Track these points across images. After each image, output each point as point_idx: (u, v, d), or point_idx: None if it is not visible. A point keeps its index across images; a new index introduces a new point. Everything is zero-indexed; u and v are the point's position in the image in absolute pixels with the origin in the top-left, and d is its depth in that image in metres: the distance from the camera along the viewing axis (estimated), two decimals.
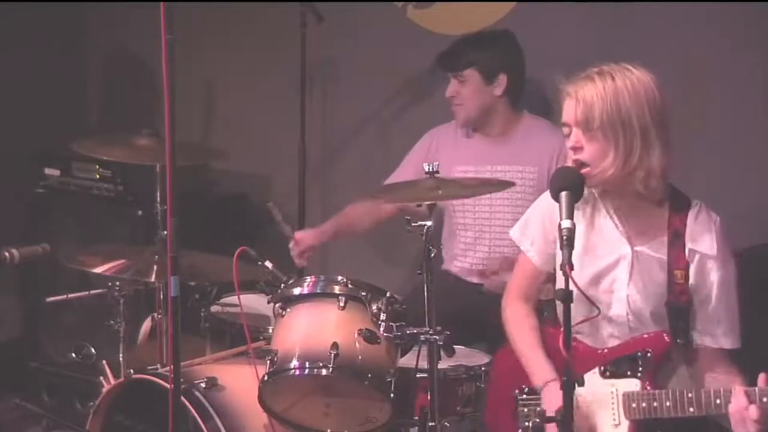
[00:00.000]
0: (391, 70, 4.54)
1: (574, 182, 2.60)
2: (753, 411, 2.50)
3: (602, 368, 2.78)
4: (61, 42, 5.25)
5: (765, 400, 2.51)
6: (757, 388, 2.52)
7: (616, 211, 2.81)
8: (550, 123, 3.88)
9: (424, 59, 4.34)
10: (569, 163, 2.75)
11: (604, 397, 2.75)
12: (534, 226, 3.01)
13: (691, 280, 2.72)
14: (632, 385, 2.73)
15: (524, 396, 2.90)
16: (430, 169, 3.03)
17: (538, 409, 2.82)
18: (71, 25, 5.32)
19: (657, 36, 3.93)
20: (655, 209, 2.77)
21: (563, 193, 2.55)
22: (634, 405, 2.69)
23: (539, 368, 2.87)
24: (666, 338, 2.73)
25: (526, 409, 2.89)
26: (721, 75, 3.86)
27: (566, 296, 2.42)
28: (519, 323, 3.00)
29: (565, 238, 2.46)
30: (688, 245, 2.72)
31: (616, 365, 2.76)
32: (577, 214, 2.77)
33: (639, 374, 2.73)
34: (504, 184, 3.43)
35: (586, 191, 2.73)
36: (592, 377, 2.78)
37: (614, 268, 2.80)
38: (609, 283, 2.81)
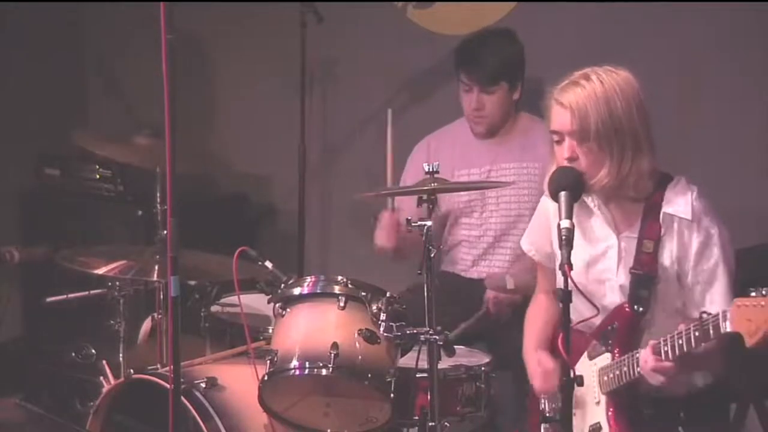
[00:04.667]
0: (391, 70, 4.54)
1: (572, 182, 2.61)
2: (650, 361, 2.57)
3: (588, 351, 2.83)
4: (61, 42, 5.25)
5: (666, 350, 2.54)
6: (661, 339, 2.56)
7: (604, 202, 2.81)
8: (525, 113, 3.88)
9: (424, 59, 4.35)
10: None
11: (588, 378, 2.78)
12: (534, 227, 3.07)
13: (676, 249, 2.71)
14: (606, 359, 2.77)
15: (544, 401, 2.96)
16: (430, 169, 3.03)
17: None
18: (71, 25, 5.32)
19: (657, 36, 3.93)
20: (639, 197, 2.78)
21: (562, 193, 2.55)
22: (605, 378, 2.75)
23: (530, 368, 2.98)
24: (626, 309, 2.75)
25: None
26: (721, 74, 3.86)
27: (565, 296, 2.43)
28: (532, 319, 3.07)
29: (564, 237, 2.47)
30: (663, 209, 2.72)
31: (594, 346, 2.81)
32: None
33: (609, 348, 2.76)
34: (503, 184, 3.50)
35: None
36: (583, 361, 2.83)
37: (602, 258, 2.82)
38: (599, 272, 2.83)
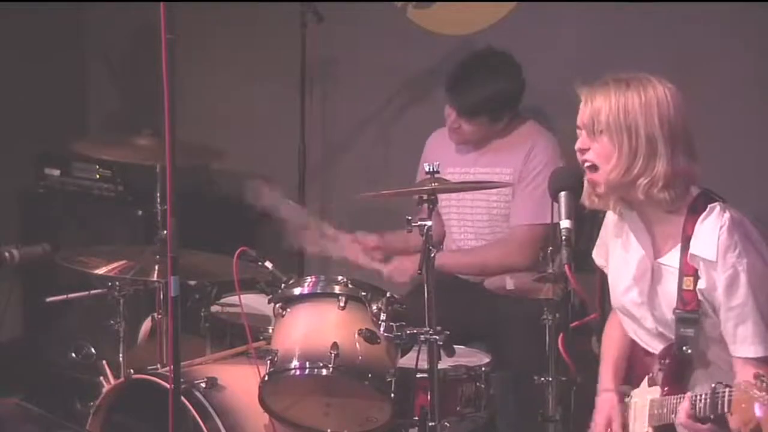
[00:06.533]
0: (391, 70, 4.53)
1: (573, 182, 2.61)
2: (682, 417, 2.51)
3: (649, 377, 2.79)
4: (61, 42, 5.25)
5: (700, 406, 2.48)
6: (697, 395, 2.50)
7: (643, 221, 2.78)
8: (532, 122, 3.88)
9: (424, 59, 4.35)
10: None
11: (644, 405, 2.77)
12: (601, 241, 2.99)
13: (705, 286, 2.65)
14: (656, 392, 2.73)
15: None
16: (431, 169, 3.04)
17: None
18: (71, 25, 5.32)
19: (656, 36, 3.93)
20: (674, 218, 2.72)
21: (562, 193, 2.56)
22: (652, 411, 2.71)
23: (602, 377, 2.92)
24: (674, 350, 2.70)
25: None
26: (721, 75, 3.86)
27: (566, 296, 2.43)
28: (607, 333, 3.00)
29: (564, 238, 2.47)
30: (690, 250, 2.66)
31: (654, 374, 2.77)
32: (618, 229, 2.82)
33: (660, 383, 2.73)
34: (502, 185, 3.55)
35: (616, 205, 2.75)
36: (643, 385, 2.80)
37: (639, 281, 2.78)
38: (636, 295, 2.79)
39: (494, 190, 3.82)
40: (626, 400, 2.83)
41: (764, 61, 3.79)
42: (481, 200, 3.88)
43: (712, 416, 2.43)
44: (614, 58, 2.78)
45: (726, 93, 3.86)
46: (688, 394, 2.54)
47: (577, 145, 2.73)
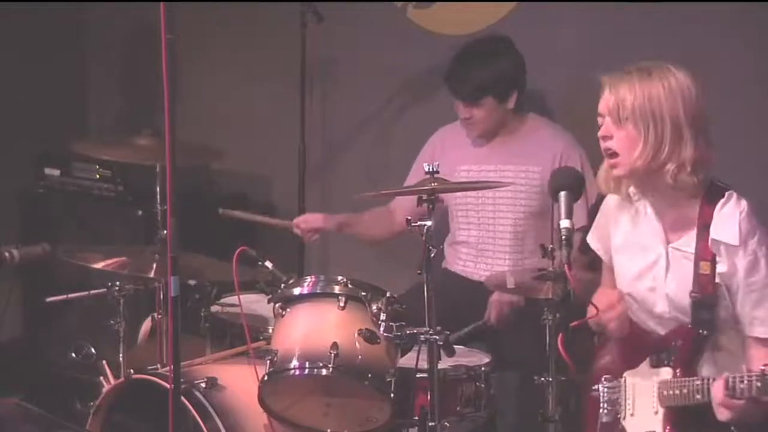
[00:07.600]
0: (391, 70, 4.54)
1: (572, 182, 2.62)
2: (718, 394, 2.53)
3: (651, 358, 2.82)
4: (61, 42, 5.25)
5: (742, 387, 2.51)
6: (737, 376, 2.54)
7: (654, 208, 2.82)
8: (554, 123, 3.89)
9: (424, 59, 4.35)
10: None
11: (649, 385, 2.79)
12: (600, 225, 3.03)
13: (724, 270, 2.71)
14: (666, 373, 2.76)
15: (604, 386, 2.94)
16: (430, 169, 3.03)
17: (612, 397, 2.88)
18: (71, 25, 5.32)
19: (656, 36, 3.93)
20: (689, 203, 2.78)
21: (562, 193, 2.57)
22: (665, 392, 2.74)
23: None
24: (690, 331, 2.74)
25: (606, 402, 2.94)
26: (721, 75, 3.86)
27: (566, 296, 2.43)
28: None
29: (564, 238, 2.48)
30: (711, 236, 2.72)
31: (658, 356, 2.80)
32: (622, 215, 2.87)
33: (672, 364, 2.76)
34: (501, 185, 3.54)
35: (629, 191, 2.80)
36: (643, 366, 2.83)
37: (653, 267, 2.82)
38: (650, 281, 2.83)
39: (523, 189, 3.81)
40: (621, 380, 2.86)
41: (764, 61, 3.79)
42: (507, 197, 3.85)
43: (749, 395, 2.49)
44: (614, 58, 2.78)
45: (726, 93, 3.86)
46: (724, 375, 2.56)
47: (601, 133, 2.77)
